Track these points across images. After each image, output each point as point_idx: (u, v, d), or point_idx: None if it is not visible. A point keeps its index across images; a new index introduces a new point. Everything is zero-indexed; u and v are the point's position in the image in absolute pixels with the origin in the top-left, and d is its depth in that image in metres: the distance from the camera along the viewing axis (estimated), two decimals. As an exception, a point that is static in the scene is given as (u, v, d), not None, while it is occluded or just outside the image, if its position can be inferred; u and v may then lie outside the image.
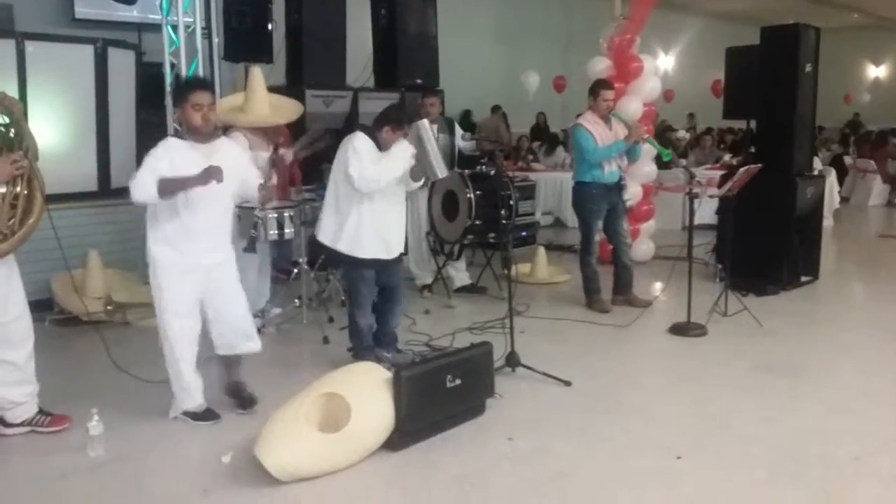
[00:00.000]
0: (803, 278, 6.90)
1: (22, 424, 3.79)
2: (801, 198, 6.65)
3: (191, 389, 3.92)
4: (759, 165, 5.99)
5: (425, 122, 4.55)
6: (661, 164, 7.92)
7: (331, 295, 6.23)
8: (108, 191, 6.59)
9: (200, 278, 3.84)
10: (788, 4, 14.82)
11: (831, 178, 10.69)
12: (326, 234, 4.60)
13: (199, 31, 6.29)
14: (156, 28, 6.72)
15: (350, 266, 4.65)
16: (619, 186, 6.07)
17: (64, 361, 4.92)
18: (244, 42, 7.58)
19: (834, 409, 4.13)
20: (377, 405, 3.54)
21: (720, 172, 8.05)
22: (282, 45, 8.10)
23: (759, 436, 3.77)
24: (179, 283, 3.80)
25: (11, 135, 3.56)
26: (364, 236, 4.47)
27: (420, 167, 4.51)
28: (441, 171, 4.53)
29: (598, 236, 6.12)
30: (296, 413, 3.40)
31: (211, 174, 3.59)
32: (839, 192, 11.87)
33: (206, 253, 3.84)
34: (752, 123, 7.33)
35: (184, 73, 6.21)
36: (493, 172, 6.33)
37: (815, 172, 7.82)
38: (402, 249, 4.74)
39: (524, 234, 7.17)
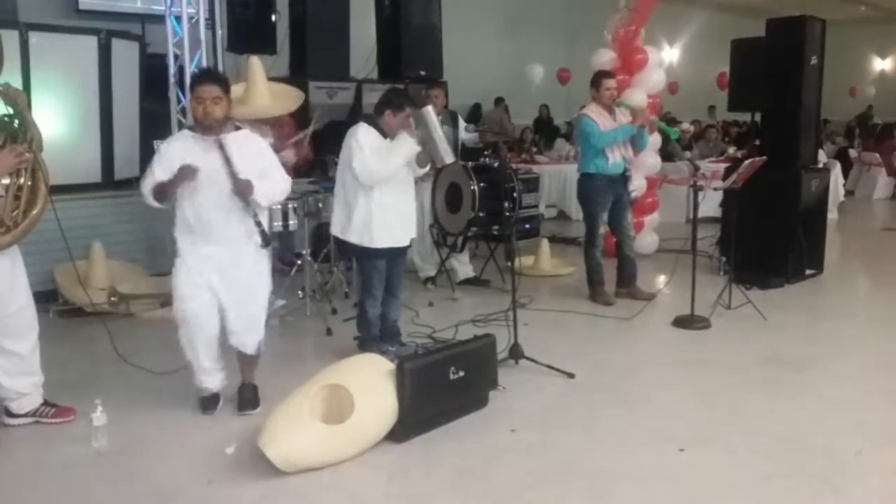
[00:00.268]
0: (808, 271, 6.88)
1: (26, 415, 3.80)
2: (805, 191, 6.63)
3: (199, 374, 3.91)
4: (764, 158, 5.97)
5: (430, 108, 4.54)
6: (666, 155, 7.91)
7: (334, 286, 6.24)
8: (112, 182, 6.61)
9: (213, 270, 3.80)
10: (794, -4, 14.74)
11: (836, 171, 10.65)
12: (336, 226, 4.64)
13: (202, 22, 6.28)
14: (159, 19, 6.72)
15: (362, 257, 4.65)
16: (624, 178, 6.05)
17: (68, 352, 4.92)
18: (248, 33, 7.59)
19: (838, 402, 4.13)
20: (380, 397, 3.54)
21: (725, 165, 8.04)
22: (285, 37, 8.10)
23: (763, 428, 3.77)
24: (189, 269, 3.79)
25: (16, 126, 3.56)
26: (374, 226, 4.47)
27: (427, 153, 4.52)
28: (448, 156, 4.54)
29: (603, 229, 6.11)
30: (299, 404, 3.40)
31: (182, 175, 3.61)
32: (844, 185, 11.83)
33: (214, 247, 3.79)
34: (758, 116, 7.30)
35: (187, 64, 6.19)
36: (496, 164, 6.32)
37: (820, 165, 7.81)
38: (413, 235, 4.75)
39: (528, 226, 7.19)
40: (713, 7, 18.39)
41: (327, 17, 8.11)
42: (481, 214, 6.17)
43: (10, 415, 3.79)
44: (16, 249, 3.65)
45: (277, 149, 5.09)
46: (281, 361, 4.80)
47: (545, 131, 13.46)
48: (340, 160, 4.56)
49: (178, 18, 6.25)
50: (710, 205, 7.70)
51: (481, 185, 6.14)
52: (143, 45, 7.14)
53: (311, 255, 5.88)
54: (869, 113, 18.96)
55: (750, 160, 5.94)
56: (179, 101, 6.39)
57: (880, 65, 22.65)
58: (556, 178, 10.43)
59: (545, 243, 7.38)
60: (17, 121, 3.57)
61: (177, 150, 3.75)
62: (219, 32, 6.77)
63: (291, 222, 5.46)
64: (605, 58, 7.36)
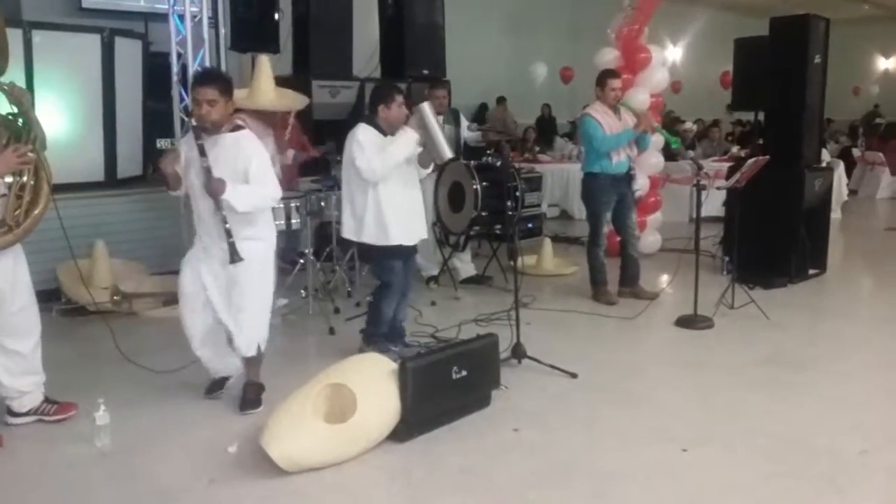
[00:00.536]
0: (811, 271, 6.87)
1: (28, 413, 3.80)
2: (808, 190, 6.62)
3: (200, 362, 4.09)
4: (767, 157, 5.96)
5: (426, 105, 4.53)
6: (669, 154, 7.90)
7: (337, 286, 6.24)
8: (115, 181, 6.61)
9: (208, 270, 3.90)
10: (798, -5, 14.71)
11: (839, 170, 10.63)
12: (349, 229, 4.59)
13: (205, 21, 6.28)
14: (163, 17, 6.72)
15: (380, 256, 4.62)
16: (628, 177, 6.04)
17: (71, 351, 4.93)
18: (251, 32, 7.57)
19: (841, 402, 4.12)
20: (383, 396, 3.54)
21: (728, 164, 8.02)
22: (288, 35, 8.09)
23: (765, 428, 3.77)
24: (190, 264, 3.97)
25: (20, 124, 3.56)
26: (387, 223, 4.46)
27: (427, 151, 4.52)
28: (447, 152, 4.54)
29: (607, 228, 6.10)
30: (302, 404, 3.40)
31: (161, 162, 3.89)
32: (847, 184, 11.81)
33: (209, 246, 3.90)
34: (761, 115, 7.28)
35: (190, 62, 6.20)
36: (499, 164, 6.31)
37: (824, 165, 7.79)
38: (424, 234, 4.75)
39: (530, 225, 7.17)
40: (716, 6, 18.36)
41: (330, 15, 8.10)
42: (484, 213, 6.16)
43: (13, 414, 3.80)
44: (18, 248, 3.65)
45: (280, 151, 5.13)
46: (283, 361, 4.80)
47: (546, 131, 13.45)
48: (343, 163, 4.55)
49: (182, 17, 6.25)
50: (713, 204, 7.69)
51: (484, 184, 6.14)
52: (146, 44, 7.14)
53: (313, 254, 5.88)
54: (876, 112, 18.90)
55: (753, 159, 5.93)
56: (182, 100, 6.39)
57: (884, 64, 22.61)
58: (559, 177, 10.42)
59: (548, 243, 7.38)
60: (21, 119, 3.57)
61: (185, 148, 3.92)
62: (222, 31, 6.76)
63: (294, 221, 5.46)
64: (609, 56, 7.35)
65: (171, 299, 5.74)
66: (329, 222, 6.00)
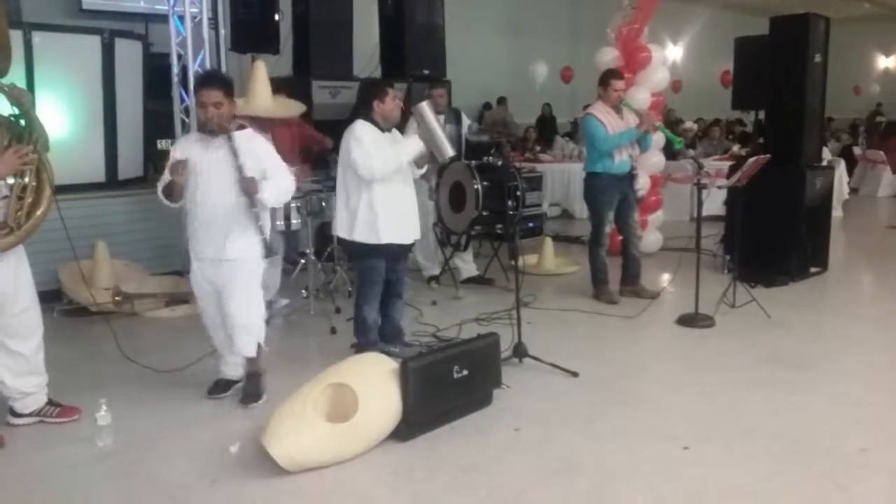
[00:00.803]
0: (812, 269, 6.87)
1: (31, 415, 3.81)
2: (809, 189, 6.62)
3: (219, 356, 4.18)
4: (768, 156, 5.96)
5: (425, 104, 4.53)
6: (670, 154, 7.90)
7: (338, 286, 6.24)
8: (116, 182, 6.61)
9: (214, 270, 3.93)
10: (798, -6, 14.71)
11: (840, 168, 10.63)
12: (342, 226, 4.55)
13: (205, 22, 6.29)
14: (163, 18, 6.73)
15: (364, 256, 4.58)
16: (630, 177, 6.04)
17: (73, 352, 4.94)
18: (251, 33, 7.60)
19: (842, 400, 4.12)
20: (384, 396, 3.54)
21: (729, 163, 8.02)
22: (288, 36, 8.10)
23: (766, 427, 3.76)
24: (197, 268, 3.99)
25: (21, 126, 3.56)
26: (378, 221, 4.43)
27: (427, 150, 4.51)
28: (448, 150, 4.53)
29: (609, 227, 6.10)
30: (303, 403, 3.41)
31: (171, 169, 3.78)
32: (848, 182, 11.80)
33: (212, 248, 3.90)
34: (761, 114, 7.28)
35: (190, 63, 6.20)
36: (500, 163, 6.31)
37: (825, 163, 7.79)
38: (417, 235, 4.71)
39: (531, 225, 7.17)
40: (717, 5, 18.36)
41: (330, 16, 8.11)
42: (485, 213, 6.16)
43: (15, 414, 3.80)
44: (21, 250, 3.65)
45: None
46: (284, 361, 4.80)
47: (546, 130, 13.43)
48: (340, 160, 4.53)
49: (182, 18, 6.26)
50: (714, 203, 7.70)
51: (485, 183, 6.14)
52: (146, 45, 7.15)
53: (314, 255, 5.88)
54: (878, 110, 18.85)
55: (754, 158, 5.93)
56: (183, 101, 6.40)
57: (884, 62, 22.58)
58: (560, 176, 10.42)
59: (549, 242, 7.38)
60: (22, 121, 3.57)
61: (181, 151, 3.87)
62: (222, 32, 6.76)
63: (294, 221, 5.46)
64: (609, 56, 7.35)
65: (173, 300, 5.78)
66: (329, 222, 5.98)
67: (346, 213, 4.51)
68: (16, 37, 5.82)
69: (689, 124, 13.48)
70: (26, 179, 3.56)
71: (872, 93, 21.83)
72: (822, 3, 12.76)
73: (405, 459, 3.48)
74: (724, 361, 4.75)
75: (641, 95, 7.11)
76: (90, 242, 5.88)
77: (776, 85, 6.68)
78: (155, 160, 7.43)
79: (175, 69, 6.35)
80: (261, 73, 5.55)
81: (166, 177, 3.85)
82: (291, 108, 5.80)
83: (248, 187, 3.74)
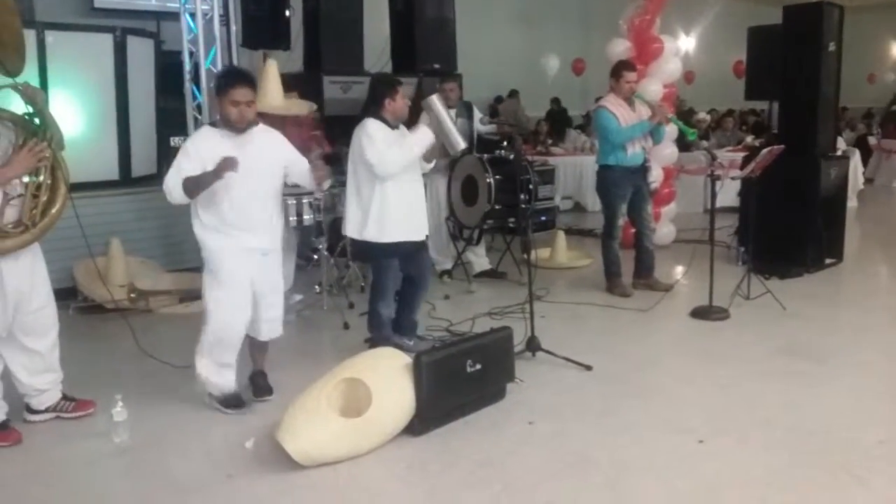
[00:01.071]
0: (827, 260, 6.83)
1: (46, 411, 3.84)
2: (824, 179, 6.57)
3: (224, 373, 3.94)
4: (782, 147, 5.92)
5: (435, 97, 4.52)
6: (683, 145, 7.85)
7: (350, 281, 6.25)
8: (129, 179, 6.64)
9: (252, 262, 3.87)
10: (812, -18, 14.56)
11: (855, 158, 10.55)
12: (353, 225, 4.54)
13: (216, 19, 6.30)
14: (174, 16, 6.75)
15: (377, 255, 4.58)
16: (643, 169, 6.01)
17: (88, 349, 4.97)
18: (262, 29, 7.58)
19: (859, 392, 4.10)
20: (398, 390, 3.55)
21: (742, 154, 7.97)
22: (299, 32, 8.10)
23: (782, 419, 3.75)
24: (232, 261, 3.82)
25: (36, 124, 3.58)
26: (389, 219, 4.43)
27: (438, 143, 4.51)
28: (459, 142, 4.50)
29: (622, 220, 6.08)
30: (317, 398, 3.42)
31: (224, 166, 3.59)
32: (863, 172, 11.71)
33: (251, 239, 3.85)
34: (775, 104, 7.23)
35: (202, 61, 6.22)
36: (512, 157, 6.30)
37: (839, 153, 7.73)
38: (426, 231, 4.71)
39: (544, 218, 7.17)
40: (729, -5, 18.23)
41: (341, 11, 8.09)
42: (497, 207, 6.16)
43: (31, 411, 3.84)
44: (37, 248, 3.68)
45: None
46: (298, 356, 4.83)
47: (558, 123, 13.36)
48: (350, 158, 4.52)
49: (193, 15, 6.27)
50: (728, 194, 7.66)
51: (497, 177, 6.13)
52: (158, 43, 7.17)
53: (327, 250, 5.89)
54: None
55: (768, 149, 5.89)
56: (195, 98, 6.42)
57: (899, 50, 22.36)
58: (572, 169, 10.39)
59: (561, 235, 7.36)
60: (37, 119, 3.59)
61: (208, 147, 3.73)
62: (233, 28, 6.78)
63: (307, 217, 5.46)
64: (621, 48, 7.31)
65: (188, 296, 5.81)
66: (342, 217, 5.99)
67: (359, 211, 4.51)
68: (29, 36, 5.82)
69: (703, 115, 13.40)
70: (41, 178, 3.58)
71: (887, 81, 21.62)
72: (835, -8, 12.65)
73: (419, 454, 3.49)
74: (739, 354, 4.73)
75: (654, 87, 7.08)
76: (104, 240, 5.92)
77: (790, 74, 6.63)
78: (169, 157, 7.48)
79: (187, 66, 6.37)
80: (273, 71, 5.58)
81: (185, 172, 3.68)
82: (302, 106, 5.82)
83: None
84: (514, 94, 13.97)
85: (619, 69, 5.91)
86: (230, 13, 6.76)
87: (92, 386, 4.09)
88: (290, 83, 6.02)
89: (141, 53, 6.72)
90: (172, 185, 3.70)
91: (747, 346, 4.85)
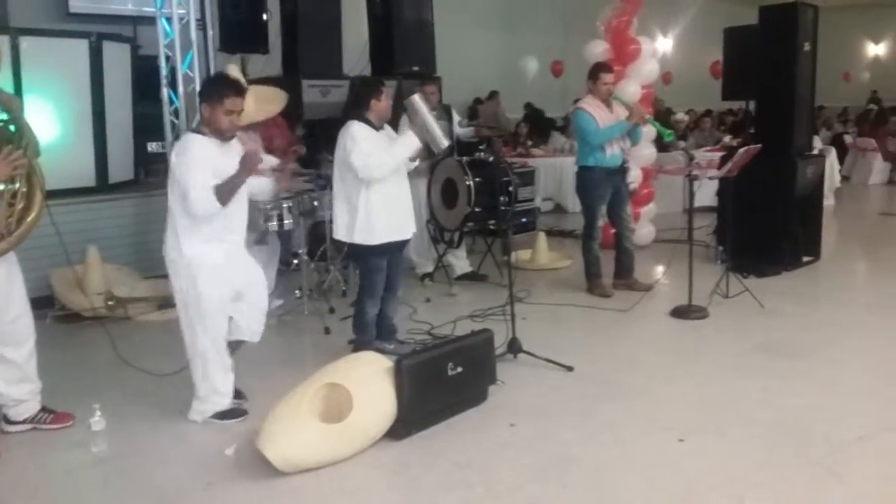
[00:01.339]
0: (805, 258, 6.89)
1: (24, 422, 3.80)
2: (801, 178, 6.63)
3: (225, 390, 3.90)
4: (759, 146, 5.96)
5: (416, 97, 4.52)
6: (661, 146, 7.89)
7: (331, 285, 6.23)
8: (106, 185, 6.58)
9: (239, 268, 3.85)
10: (787, -17, 14.69)
11: (832, 157, 10.65)
12: (341, 228, 4.56)
13: (193, 23, 6.26)
14: (151, 20, 6.68)
15: (366, 256, 4.59)
16: (622, 170, 6.04)
17: (66, 358, 4.92)
18: (239, 33, 7.55)
19: (837, 388, 4.14)
20: (379, 394, 3.54)
21: (720, 154, 8.02)
22: (277, 36, 8.07)
23: (762, 416, 3.78)
24: (221, 280, 3.76)
25: (12, 131, 3.54)
26: (377, 221, 4.44)
27: (422, 143, 4.51)
28: (443, 141, 4.51)
29: (602, 221, 6.10)
30: (298, 404, 3.40)
31: (250, 164, 3.67)
32: (840, 171, 11.83)
33: (238, 240, 3.88)
34: (752, 104, 7.28)
35: (179, 65, 6.18)
36: (491, 159, 6.31)
37: (815, 152, 7.80)
38: (413, 228, 4.73)
39: (524, 220, 7.17)
40: (706, -5, 18.36)
41: (319, 14, 8.07)
42: (477, 209, 6.16)
43: (9, 422, 3.79)
44: (12, 257, 3.64)
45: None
46: (279, 361, 4.82)
47: (538, 126, 13.36)
48: (336, 161, 4.52)
49: (169, 20, 6.23)
50: (707, 194, 7.71)
51: (477, 180, 6.13)
52: (134, 48, 7.11)
53: (307, 255, 5.87)
54: (875, 97, 18.79)
55: (744, 148, 5.93)
56: (172, 103, 6.37)
57: (874, 49, 22.59)
58: (552, 171, 10.41)
59: (542, 237, 7.38)
60: (12, 126, 3.55)
61: (208, 156, 3.68)
62: (210, 33, 6.74)
63: (287, 222, 5.44)
64: (598, 49, 7.34)
65: (165, 303, 5.76)
66: (322, 222, 5.99)
67: (346, 214, 4.51)
68: (3, 42, 5.80)
69: (681, 115, 13.48)
70: (17, 185, 3.54)
71: (863, 80, 21.85)
72: (810, -8, 12.77)
73: (401, 457, 3.48)
74: (718, 352, 4.76)
75: (632, 88, 7.11)
76: (81, 247, 5.85)
77: (766, 74, 6.68)
78: (146, 163, 7.42)
79: (164, 71, 6.32)
80: (234, 74, 5.50)
81: (207, 182, 3.58)
82: (273, 104, 5.72)
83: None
84: (493, 95, 13.96)
85: (597, 71, 5.93)
86: (207, 17, 6.71)
87: (70, 395, 4.05)
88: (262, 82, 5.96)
89: (117, 59, 6.67)
90: (206, 196, 3.57)
91: (726, 344, 4.88)
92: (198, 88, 6.43)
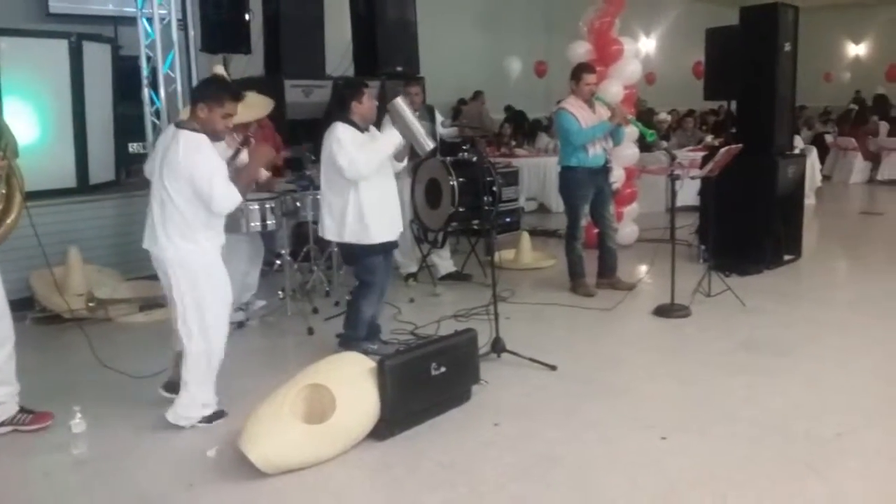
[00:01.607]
0: (786, 257, 6.93)
1: (3, 424, 3.76)
2: (782, 177, 6.67)
3: (211, 390, 3.90)
4: (740, 145, 6.00)
5: (399, 99, 4.53)
6: (644, 146, 7.93)
7: (315, 286, 6.21)
8: (87, 186, 6.53)
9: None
10: (768, -16, 14.78)
11: (813, 156, 10.73)
12: (330, 229, 4.55)
13: (174, 23, 6.23)
14: (132, 21, 6.65)
15: (362, 255, 4.58)
16: (605, 170, 6.06)
17: (45, 360, 4.88)
18: (221, 33, 7.53)
19: (817, 385, 4.17)
20: (362, 395, 3.53)
21: (702, 154, 8.06)
22: (260, 36, 8.05)
23: (743, 414, 3.80)
24: (220, 271, 3.80)
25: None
26: (368, 221, 4.44)
27: (407, 144, 4.51)
28: (427, 143, 4.52)
29: (585, 221, 6.12)
30: (280, 405, 3.39)
31: (260, 157, 3.82)
32: (821, 170, 11.92)
33: (222, 238, 3.87)
34: (734, 104, 7.33)
35: (160, 66, 6.15)
36: (475, 159, 6.31)
37: (797, 151, 7.86)
38: (401, 228, 4.73)
39: (508, 220, 7.20)
40: (688, -4, 18.48)
41: (301, 14, 8.06)
42: (461, 209, 6.16)
43: (-13, 424, 3.76)
44: (-10, 259, 3.61)
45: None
46: (262, 362, 4.80)
47: (521, 127, 13.37)
48: (323, 163, 4.51)
49: (150, 20, 6.20)
50: (689, 193, 7.74)
51: (460, 180, 6.14)
52: (115, 48, 7.06)
53: (290, 255, 5.85)
54: (859, 97, 18.94)
55: (726, 148, 5.97)
56: (153, 104, 6.34)
57: (854, 50, 22.80)
58: (536, 171, 10.43)
59: (526, 236, 7.39)
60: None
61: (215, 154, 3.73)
62: (191, 33, 6.71)
63: (270, 222, 5.41)
64: (581, 50, 7.36)
65: (147, 305, 5.73)
66: (305, 222, 5.97)
67: (333, 216, 4.52)
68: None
69: (663, 115, 13.55)
70: (-4, 187, 3.52)
71: (843, 80, 22.04)
72: (791, -7, 12.86)
73: (384, 458, 3.47)
74: (700, 350, 4.78)
75: (614, 88, 7.13)
76: (62, 248, 5.80)
77: (747, 74, 6.72)
78: (127, 164, 7.37)
79: (145, 72, 6.29)
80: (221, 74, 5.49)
81: (224, 176, 3.62)
82: (259, 108, 5.71)
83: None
84: (477, 95, 13.99)
85: (579, 71, 5.95)
86: (188, 17, 6.69)
87: (50, 397, 4.01)
88: (251, 87, 5.93)
89: (98, 59, 6.62)
90: (230, 192, 3.61)
91: (708, 343, 4.91)
92: (179, 89, 6.43)
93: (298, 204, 5.67)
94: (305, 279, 6.21)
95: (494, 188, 6.35)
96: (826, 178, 12.59)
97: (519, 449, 3.51)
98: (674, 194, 5.69)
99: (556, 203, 9.63)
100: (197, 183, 3.56)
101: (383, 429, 3.59)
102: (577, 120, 5.82)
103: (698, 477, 3.22)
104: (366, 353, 4.35)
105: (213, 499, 3.17)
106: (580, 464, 3.36)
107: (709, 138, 11.60)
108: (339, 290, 6.15)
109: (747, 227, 6.54)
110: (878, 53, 21.59)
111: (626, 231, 7.71)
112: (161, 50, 6.18)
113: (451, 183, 6.11)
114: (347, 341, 4.69)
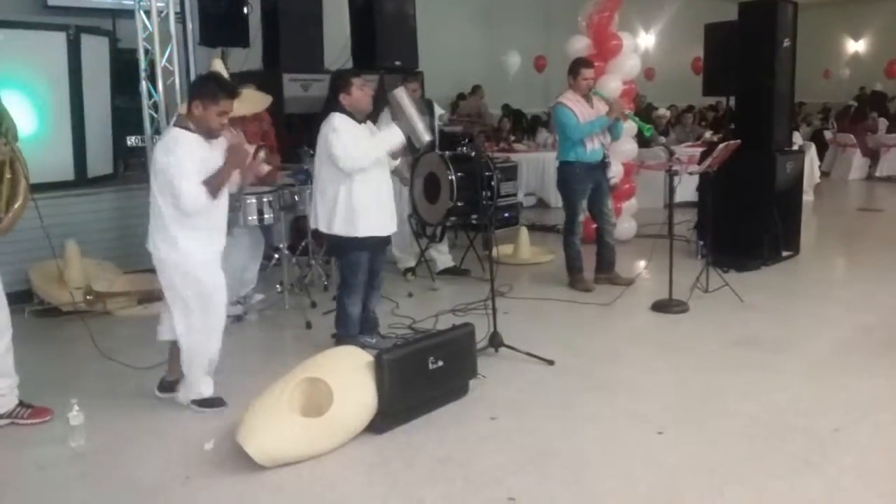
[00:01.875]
0: (784, 253, 6.94)
1: (2, 417, 3.76)
2: (780, 173, 6.68)
3: (208, 375, 3.94)
4: (739, 141, 6.00)
5: (400, 90, 4.51)
6: (642, 141, 7.93)
7: (312, 280, 6.21)
8: (85, 179, 6.52)
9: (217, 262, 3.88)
10: (767, -20, 14.76)
11: (811, 152, 10.74)
12: (321, 219, 4.53)
13: (172, 16, 6.21)
14: (130, 14, 6.63)
15: (347, 249, 4.56)
16: (603, 165, 6.05)
17: (44, 352, 4.87)
18: (220, 26, 7.52)
19: (814, 381, 4.18)
20: (359, 388, 3.53)
21: (701, 149, 8.06)
22: (258, 29, 8.04)
23: (740, 409, 3.80)
24: (210, 275, 3.80)
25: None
26: (357, 215, 4.42)
27: (406, 137, 4.49)
28: (425, 135, 4.50)
29: (583, 216, 6.12)
30: (278, 398, 3.39)
31: (235, 157, 3.75)
32: (820, 166, 11.93)
33: (220, 235, 3.88)
34: (732, 100, 7.33)
35: (158, 59, 6.13)
36: (473, 154, 6.31)
37: (795, 148, 7.86)
38: (395, 227, 4.71)
39: (507, 214, 7.18)
40: (688, -9, 18.44)
41: (300, 8, 8.06)
42: (460, 204, 6.16)
43: (-14, 416, 3.76)
44: (-13, 251, 3.61)
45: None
46: (260, 356, 4.80)
47: (519, 122, 13.36)
48: (318, 153, 4.51)
49: (148, 13, 6.18)
50: (688, 189, 7.75)
51: (459, 174, 6.13)
52: (113, 41, 7.04)
53: (288, 249, 5.85)
54: (863, 94, 18.92)
55: (724, 144, 5.97)
56: (151, 97, 6.33)
57: (853, 46, 22.78)
58: (535, 165, 10.43)
59: (524, 231, 7.39)
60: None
61: (196, 152, 3.69)
62: (189, 26, 6.69)
63: (267, 216, 5.41)
64: (580, 45, 7.36)
65: (145, 298, 5.72)
66: (303, 216, 5.96)
67: (324, 206, 4.50)
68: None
69: (662, 111, 13.53)
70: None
71: (842, 77, 22.02)
72: (790, -11, 12.82)
73: (381, 451, 3.48)
74: (698, 345, 4.79)
75: (613, 83, 7.14)
76: (60, 241, 5.77)
77: (746, 70, 6.73)
78: (125, 156, 7.36)
79: (143, 65, 6.27)
80: (219, 69, 5.49)
81: (196, 177, 3.61)
82: (256, 103, 5.71)
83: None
84: (476, 90, 13.96)
85: (577, 66, 5.94)
86: (186, 10, 6.67)
87: (48, 390, 4.02)
88: (249, 80, 5.94)
89: (96, 52, 6.60)
90: (196, 192, 3.61)
91: (706, 338, 4.91)
92: (177, 82, 6.42)
93: (297, 198, 5.66)
94: (303, 273, 6.22)
95: (493, 183, 6.34)
96: (825, 174, 12.60)
97: (516, 443, 3.51)
98: (672, 190, 5.69)
99: (555, 198, 9.62)
100: (168, 180, 3.60)
101: (381, 422, 3.59)
102: (575, 115, 5.81)
103: (695, 471, 3.23)
104: (363, 346, 4.37)
105: (211, 491, 3.17)
106: (577, 458, 3.36)
107: (707, 134, 11.61)
108: (337, 283, 6.13)
109: (746, 223, 6.55)
110: (878, 50, 21.54)
111: (625, 226, 7.71)
112: (159, 43, 6.16)
113: (450, 177, 6.10)
114: (342, 340, 4.65)
